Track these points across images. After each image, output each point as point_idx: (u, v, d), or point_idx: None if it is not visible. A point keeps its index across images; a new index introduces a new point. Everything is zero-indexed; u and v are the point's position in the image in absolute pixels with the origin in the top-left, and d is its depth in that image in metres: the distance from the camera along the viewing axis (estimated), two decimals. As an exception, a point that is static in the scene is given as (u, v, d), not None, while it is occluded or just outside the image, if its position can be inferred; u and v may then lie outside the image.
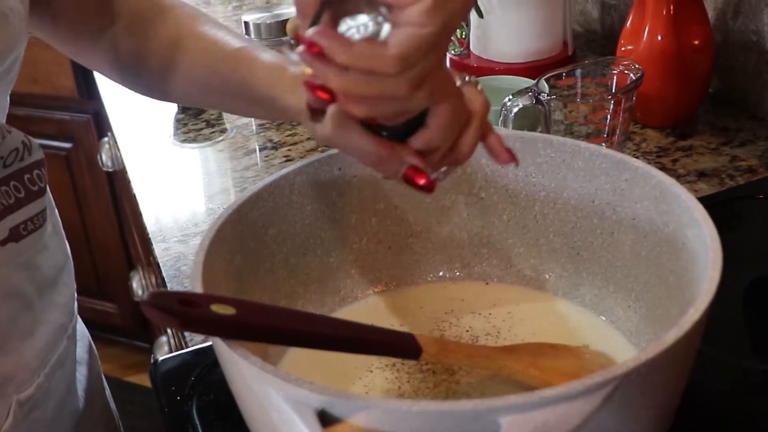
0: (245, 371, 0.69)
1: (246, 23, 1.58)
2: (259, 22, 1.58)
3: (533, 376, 0.84)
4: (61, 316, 1.03)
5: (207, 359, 0.98)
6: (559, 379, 0.78)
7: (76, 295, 1.09)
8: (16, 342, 0.95)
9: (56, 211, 1.04)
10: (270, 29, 1.58)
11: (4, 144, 0.88)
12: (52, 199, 1.02)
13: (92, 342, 1.20)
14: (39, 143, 0.93)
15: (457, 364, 0.84)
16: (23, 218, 0.91)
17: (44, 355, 0.99)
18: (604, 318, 0.96)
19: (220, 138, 1.60)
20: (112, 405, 1.24)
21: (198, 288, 0.77)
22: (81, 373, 1.11)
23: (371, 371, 0.91)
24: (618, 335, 0.94)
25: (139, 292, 2.30)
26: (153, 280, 2.07)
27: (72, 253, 1.08)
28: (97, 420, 1.16)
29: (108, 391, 1.22)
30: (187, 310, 0.66)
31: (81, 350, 1.13)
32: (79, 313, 1.12)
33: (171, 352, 1.25)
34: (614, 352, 0.91)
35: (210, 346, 0.88)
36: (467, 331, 0.96)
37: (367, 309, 1.01)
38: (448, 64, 1.81)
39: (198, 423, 0.92)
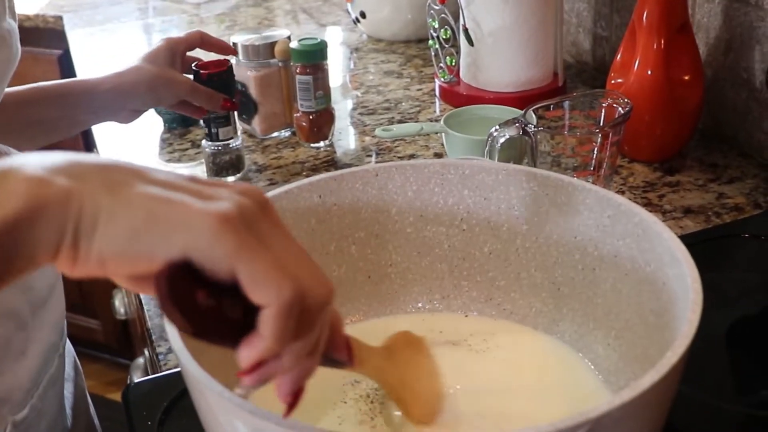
0: (212, 401, 0.67)
1: (234, 44, 1.56)
2: (248, 43, 1.57)
3: (400, 396, 0.85)
4: (53, 335, 1.03)
5: (181, 384, 0.97)
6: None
7: (65, 313, 1.09)
8: (10, 362, 0.94)
9: None
10: (258, 51, 1.57)
11: None
12: None
13: (77, 358, 1.20)
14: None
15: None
16: None
17: (37, 376, 0.99)
18: (581, 355, 0.94)
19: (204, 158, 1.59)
20: (96, 422, 1.23)
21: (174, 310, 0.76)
22: (68, 390, 1.12)
23: (345, 402, 0.90)
24: (592, 376, 0.92)
25: (122, 310, 2.29)
26: (134, 298, 2.06)
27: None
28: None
29: (92, 408, 1.22)
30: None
31: (68, 367, 1.13)
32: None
33: (147, 374, 1.23)
34: (588, 392, 0.90)
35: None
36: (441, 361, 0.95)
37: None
38: (438, 93, 1.80)
39: (168, 450, 0.91)
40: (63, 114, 1.24)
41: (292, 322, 0.56)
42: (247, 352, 0.58)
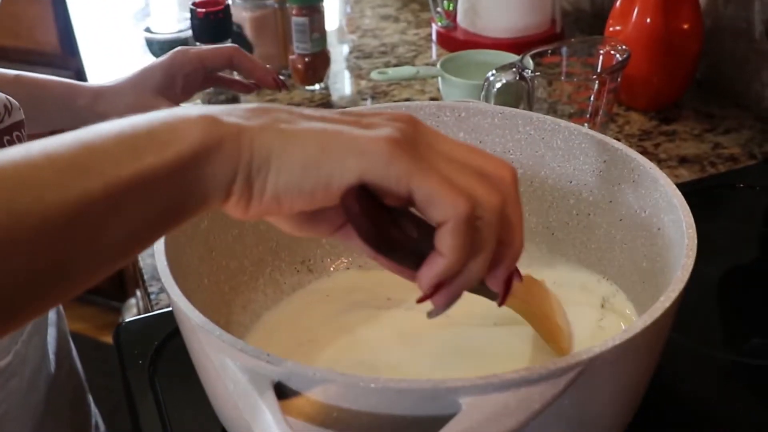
0: (203, 339, 0.67)
1: (231, -16, 1.55)
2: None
3: (544, 326, 0.85)
4: None
5: (172, 324, 0.97)
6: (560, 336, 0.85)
7: None
8: None
9: None
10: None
11: None
12: None
13: (60, 302, 1.19)
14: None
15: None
16: None
17: None
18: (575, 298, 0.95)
19: (199, 99, 1.58)
20: (79, 365, 1.22)
21: (160, 250, 0.75)
22: (51, 335, 1.11)
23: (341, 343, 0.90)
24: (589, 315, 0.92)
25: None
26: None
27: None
28: (66, 382, 1.15)
29: (74, 352, 1.21)
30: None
31: (50, 311, 1.12)
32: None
33: (139, 314, 1.23)
34: (584, 332, 0.90)
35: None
36: (428, 306, 0.94)
37: (338, 280, 0.99)
38: (434, 38, 1.80)
39: (159, 388, 0.91)
40: (37, 113, 1.19)
41: (470, 235, 0.57)
42: (428, 271, 0.59)
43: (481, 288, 0.65)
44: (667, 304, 0.66)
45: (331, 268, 1.00)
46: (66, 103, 1.20)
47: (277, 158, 0.56)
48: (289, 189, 0.56)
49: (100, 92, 1.22)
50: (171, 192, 0.54)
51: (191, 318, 0.67)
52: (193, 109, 0.57)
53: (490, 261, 0.60)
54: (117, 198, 0.51)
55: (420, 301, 0.61)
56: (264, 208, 0.58)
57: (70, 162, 0.50)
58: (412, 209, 0.60)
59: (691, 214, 0.77)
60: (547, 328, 0.85)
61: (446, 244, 0.57)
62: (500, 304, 0.66)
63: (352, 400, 0.62)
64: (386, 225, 0.58)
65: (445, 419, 0.59)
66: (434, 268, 0.58)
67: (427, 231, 0.59)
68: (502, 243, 0.61)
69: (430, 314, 0.63)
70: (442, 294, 0.60)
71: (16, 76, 1.15)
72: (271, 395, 0.61)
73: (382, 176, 0.56)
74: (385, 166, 0.56)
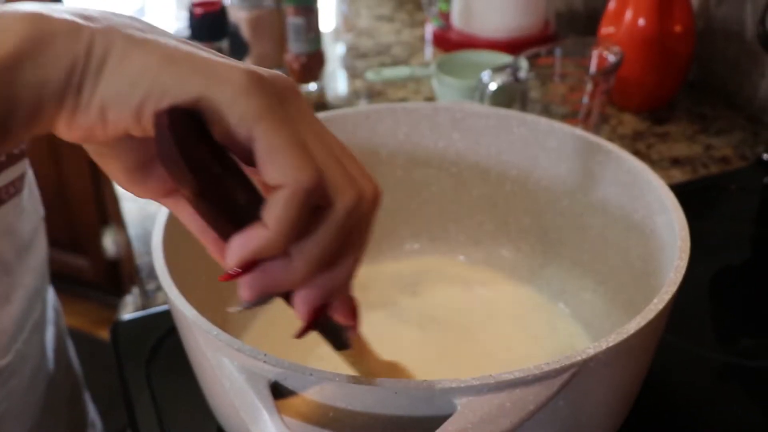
0: (200, 338, 0.68)
1: (227, -16, 1.56)
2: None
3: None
4: (36, 280, 1.02)
5: (169, 322, 0.97)
6: None
7: (47, 256, 1.08)
8: None
9: (30, 169, 1.02)
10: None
11: None
12: (28, 163, 1.00)
13: (57, 298, 1.19)
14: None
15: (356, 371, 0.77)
16: (4, 182, 0.90)
17: (21, 321, 0.98)
18: (563, 305, 0.95)
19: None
20: (76, 363, 1.23)
21: (158, 248, 0.76)
22: (49, 333, 1.11)
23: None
24: (575, 324, 0.93)
25: (112, 248, 2.28)
26: (125, 235, 2.06)
27: (45, 205, 1.07)
28: (63, 380, 1.15)
29: (71, 349, 1.22)
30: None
31: (49, 309, 1.12)
32: (50, 266, 1.11)
33: (135, 311, 1.24)
34: (568, 339, 0.91)
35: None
36: (422, 308, 0.95)
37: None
38: (429, 38, 1.80)
39: (155, 385, 0.91)
40: None
41: (304, 212, 0.48)
42: (239, 241, 0.49)
43: (328, 327, 0.59)
44: (661, 306, 0.67)
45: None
46: None
47: (115, 63, 0.48)
48: (117, 99, 0.48)
49: None
50: None
51: (188, 317, 0.68)
52: (26, 5, 0.49)
53: (318, 264, 0.51)
54: None
55: (223, 279, 0.50)
56: (89, 122, 0.49)
57: None
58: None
59: (683, 216, 0.77)
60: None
61: (274, 213, 0.48)
62: (296, 337, 0.55)
63: (349, 400, 0.63)
64: (201, 163, 0.48)
65: (440, 420, 0.60)
66: (251, 239, 0.48)
67: (255, 201, 0.50)
68: (330, 261, 0.52)
69: (234, 307, 0.53)
70: (254, 279, 0.50)
71: None
72: (267, 394, 0.62)
73: (224, 107, 0.48)
74: (233, 96, 0.47)
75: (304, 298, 0.52)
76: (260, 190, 0.50)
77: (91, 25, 0.48)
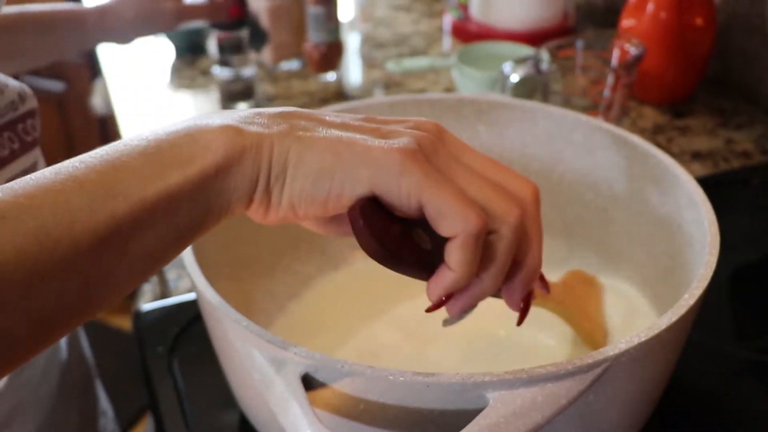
0: (229, 329, 0.68)
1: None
2: (259, -28, 1.56)
3: (582, 326, 0.85)
4: None
5: (191, 311, 0.97)
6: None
7: None
8: None
9: (43, 158, 1.02)
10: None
11: (2, 99, 0.87)
12: (40, 152, 1.00)
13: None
14: (32, 82, 0.92)
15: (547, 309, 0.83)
16: (18, 170, 0.90)
17: None
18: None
19: (214, 87, 1.58)
20: (87, 351, 1.22)
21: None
22: (63, 323, 1.10)
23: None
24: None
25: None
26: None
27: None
28: (75, 369, 1.14)
29: (83, 338, 1.21)
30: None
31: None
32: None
33: (154, 300, 1.24)
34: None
35: (195, 299, 0.87)
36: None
37: (360, 270, 1.00)
38: (447, 29, 1.80)
39: (179, 376, 0.91)
40: (48, 43, 1.23)
41: (479, 250, 0.57)
42: (436, 284, 0.59)
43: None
44: (692, 301, 0.67)
45: (349, 260, 1.00)
46: (74, 27, 1.26)
47: (294, 166, 0.56)
48: (303, 197, 0.57)
49: (105, 9, 1.28)
50: (195, 206, 0.55)
51: (218, 308, 0.68)
52: (214, 117, 0.57)
53: (504, 275, 0.60)
54: (143, 218, 0.52)
55: (429, 310, 0.61)
56: (282, 214, 0.58)
57: (97, 185, 0.51)
58: None
59: (713, 212, 0.77)
60: (585, 327, 0.85)
61: (455, 258, 0.57)
62: (518, 323, 0.65)
63: (380, 393, 0.62)
64: (392, 240, 0.58)
65: (472, 413, 0.60)
66: (442, 281, 0.58)
67: (442, 242, 0.58)
68: (518, 261, 0.61)
69: (445, 322, 0.63)
70: (454, 304, 0.60)
71: (20, 12, 1.18)
72: (299, 387, 0.62)
73: (392, 189, 0.56)
74: (396, 178, 0.55)
75: (512, 295, 0.62)
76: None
77: (271, 132, 0.57)
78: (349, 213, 0.57)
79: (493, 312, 0.92)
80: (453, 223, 0.56)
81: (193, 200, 0.54)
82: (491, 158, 0.61)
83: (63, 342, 1.09)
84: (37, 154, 0.93)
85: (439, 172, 0.57)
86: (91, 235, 0.49)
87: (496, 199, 0.58)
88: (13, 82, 0.89)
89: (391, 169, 0.55)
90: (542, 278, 0.69)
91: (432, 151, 0.58)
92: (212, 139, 0.55)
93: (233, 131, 0.55)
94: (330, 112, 0.61)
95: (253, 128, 0.56)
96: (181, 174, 0.53)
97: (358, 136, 0.57)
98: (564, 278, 0.86)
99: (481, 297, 0.60)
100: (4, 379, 0.93)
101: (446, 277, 0.58)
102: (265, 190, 0.57)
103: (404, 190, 0.55)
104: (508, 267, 0.60)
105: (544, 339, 0.89)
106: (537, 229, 0.61)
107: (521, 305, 0.63)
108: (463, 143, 0.61)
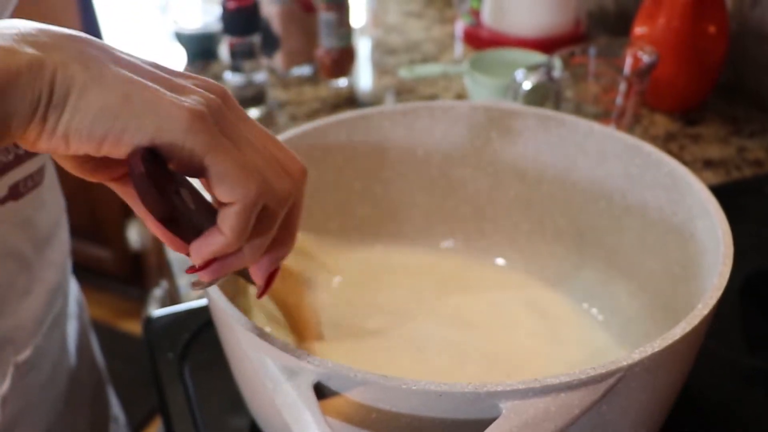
0: (242, 337, 0.68)
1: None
2: (271, -23, 1.56)
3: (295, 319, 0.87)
4: (57, 275, 1.02)
5: (202, 317, 0.97)
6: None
7: (70, 251, 1.08)
8: (13, 303, 0.93)
9: (51, 161, 1.02)
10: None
11: None
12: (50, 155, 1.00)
13: (81, 292, 1.19)
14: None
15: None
16: (23, 175, 0.90)
17: (41, 316, 0.98)
18: (596, 309, 0.95)
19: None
20: (98, 356, 1.22)
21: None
22: (72, 328, 1.10)
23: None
24: (610, 327, 0.93)
25: (136, 241, 2.28)
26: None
27: (67, 195, 1.07)
28: (86, 375, 1.14)
29: (95, 343, 1.21)
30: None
31: (72, 303, 1.11)
32: (72, 257, 1.10)
33: (164, 305, 1.24)
34: (603, 342, 0.91)
35: (207, 305, 0.87)
36: (454, 308, 0.95)
37: (361, 276, 1.00)
38: (459, 35, 1.80)
39: (190, 383, 0.91)
40: None
41: (253, 220, 0.57)
42: (204, 246, 0.59)
43: (243, 272, 0.66)
44: (706, 311, 0.66)
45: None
46: None
47: (77, 97, 0.53)
48: (79, 132, 0.54)
49: None
50: None
51: (231, 315, 0.68)
52: None
53: (264, 249, 0.61)
54: None
55: (189, 271, 0.61)
56: (53, 145, 0.55)
57: None
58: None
59: (726, 221, 0.77)
60: (295, 316, 0.86)
61: (229, 223, 0.57)
62: (259, 296, 0.66)
63: (392, 402, 0.62)
64: (170, 193, 0.57)
65: (484, 423, 0.60)
66: (212, 243, 0.58)
67: (202, 205, 0.59)
68: (275, 238, 0.62)
69: (195, 285, 0.62)
70: (211, 269, 0.60)
71: None
72: (311, 395, 0.62)
73: (177, 144, 0.55)
74: (182, 134, 0.54)
75: (260, 269, 0.64)
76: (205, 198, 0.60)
77: (54, 57, 0.53)
78: (129, 156, 0.55)
79: (501, 319, 0.93)
80: (234, 189, 0.56)
81: None
82: (269, 132, 0.62)
83: (72, 347, 1.09)
84: (44, 157, 0.93)
85: (225, 137, 0.57)
86: None
87: (274, 173, 0.58)
88: None
89: (179, 125, 0.54)
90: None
91: (220, 116, 0.57)
92: None
93: (7, 52, 0.52)
94: (121, 50, 0.59)
95: (31, 50, 0.53)
96: None
97: (149, 83, 0.56)
98: None
99: (239, 267, 0.61)
100: (9, 382, 0.93)
101: (216, 240, 0.58)
102: (42, 116, 0.54)
103: (188, 148, 0.55)
104: (270, 242, 0.61)
105: (556, 349, 0.89)
106: (299, 208, 0.63)
107: (266, 279, 0.65)
108: (245, 113, 0.61)
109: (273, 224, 0.59)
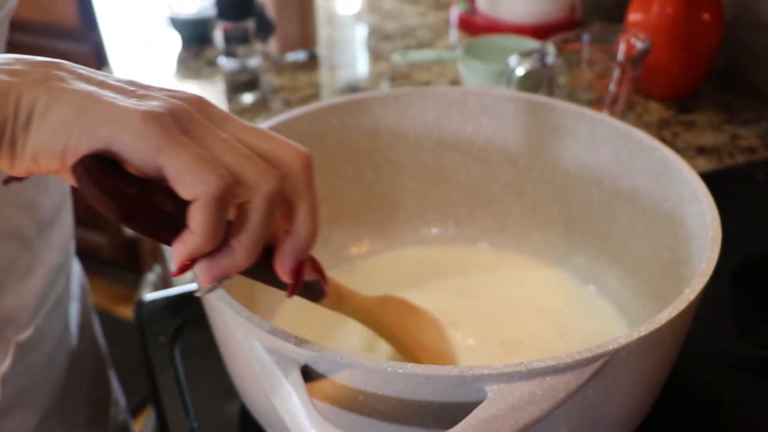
0: (230, 320, 0.68)
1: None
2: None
3: (400, 340, 0.83)
4: (59, 257, 1.02)
5: (194, 301, 0.97)
6: (424, 355, 0.83)
7: (73, 234, 1.08)
8: (14, 283, 0.93)
9: None
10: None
11: None
12: None
13: (84, 275, 1.19)
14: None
15: (347, 315, 0.79)
16: None
17: (42, 296, 0.98)
18: (589, 292, 0.95)
19: (220, 78, 1.58)
20: (100, 339, 1.23)
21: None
22: (74, 310, 1.10)
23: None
24: (601, 312, 0.93)
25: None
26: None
27: (67, 181, 1.07)
28: (87, 356, 1.15)
29: (97, 327, 1.22)
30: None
31: (74, 286, 1.12)
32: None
33: (157, 290, 1.24)
34: (593, 327, 0.91)
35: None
36: (447, 293, 0.95)
37: (355, 263, 1.00)
38: (453, 21, 1.80)
39: (181, 366, 0.91)
40: None
41: (221, 214, 0.56)
42: (178, 247, 0.58)
43: (270, 277, 0.64)
44: (692, 296, 0.67)
45: (352, 250, 1.01)
46: None
47: (39, 117, 0.54)
48: (43, 149, 0.55)
49: None
50: None
51: (220, 299, 0.68)
52: None
53: (258, 247, 0.59)
54: None
55: (174, 274, 0.60)
56: (26, 166, 0.56)
57: None
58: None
59: (715, 207, 0.77)
60: (403, 342, 0.84)
61: (195, 221, 0.56)
62: (289, 295, 0.64)
63: (378, 385, 0.63)
64: (126, 199, 0.55)
65: (470, 406, 0.60)
66: (185, 244, 0.57)
67: (186, 207, 0.57)
68: (287, 231, 0.61)
69: (198, 291, 0.62)
70: (206, 272, 0.59)
71: None
72: (298, 377, 0.62)
73: (130, 149, 0.54)
74: (134, 137, 0.54)
75: (282, 264, 0.62)
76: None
77: (17, 81, 0.54)
78: (72, 168, 0.55)
79: (493, 304, 0.93)
80: (192, 185, 0.55)
81: None
82: (259, 128, 0.61)
83: (74, 329, 1.09)
84: None
85: (185, 136, 0.56)
86: None
87: (248, 167, 0.57)
88: None
89: (129, 129, 0.54)
90: (320, 270, 0.68)
91: (186, 119, 0.57)
92: None
93: None
94: (96, 70, 0.59)
95: (1, 77, 0.54)
96: None
97: (106, 93, 0.56)
98: (380, 296, 0.83)
99: (235, 267, 0.59)
100: (10, 361, 0.93)
101: (188, 239, 0.57)
102: (11, 140, 0.55)
103: (141, 151, 0.54)
104: (264, 238, 0.59)
105: (544, 333, 0.89)
106: (306, 197, 0.61)
107: (291, 276, 0.63)
108: (228, 115, 0.60)
109: (260, 218, 0.58)
